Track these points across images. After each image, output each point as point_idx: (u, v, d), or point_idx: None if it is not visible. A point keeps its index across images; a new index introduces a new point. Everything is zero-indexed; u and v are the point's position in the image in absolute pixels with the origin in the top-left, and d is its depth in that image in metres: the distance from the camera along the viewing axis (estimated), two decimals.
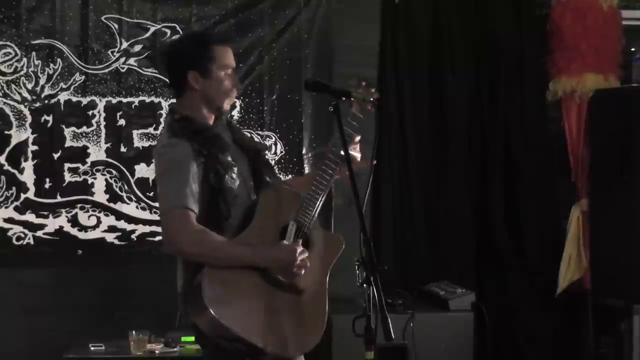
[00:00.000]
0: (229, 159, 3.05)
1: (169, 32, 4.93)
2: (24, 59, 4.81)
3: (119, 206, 4.88)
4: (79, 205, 4.85)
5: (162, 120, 4.91)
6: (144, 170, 4.90)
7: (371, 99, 2.99)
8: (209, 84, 3.08)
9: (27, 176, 4.81)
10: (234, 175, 3.04)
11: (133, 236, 4.89)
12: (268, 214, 3.06)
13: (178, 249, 2.96)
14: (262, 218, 3.04)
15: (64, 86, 4.84)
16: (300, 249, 3.01)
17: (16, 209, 4.79)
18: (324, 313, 3.07)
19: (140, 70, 4.91)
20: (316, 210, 3.08)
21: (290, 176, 4.87)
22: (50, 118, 4.84)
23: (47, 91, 4.83)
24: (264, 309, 2.96)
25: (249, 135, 3.29)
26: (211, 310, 2.84)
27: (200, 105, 3.11)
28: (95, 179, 4.87)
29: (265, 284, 2.98)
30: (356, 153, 3.14)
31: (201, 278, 2.91)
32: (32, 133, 4.82)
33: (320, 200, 3.08)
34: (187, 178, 2.94)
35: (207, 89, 3.08)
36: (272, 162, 3.34)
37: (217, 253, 2.94)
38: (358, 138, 3.13)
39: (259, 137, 4.91)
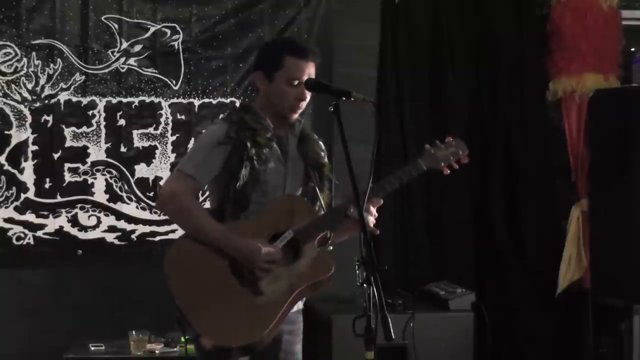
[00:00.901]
0: (264, 151, 3.10)
1: (169, 32, 4.93)
2: (24, 59, 4.81)
3: (119, 206, 4.88)
4: (79, 205, 4.85)
5: (162, 120, 4.92)
6: (144, 170, 4.90)
7: (371, 100, 3.00)
8: (271, 88, 3.16)
9: (27, 176, 4.81)
10: (265, 171, 3.10)
11: (133, 236, 4.89)
12: (275, 214, 3.11)
13: (161, 205, 3.30)
14: (266, 216, 3.10)
15: (64, 86, 4.84)
16: (267, 250, 3.03)
17: (16, 209, 4.79)
18: (266, 323, 3.01)
19: (140, 70, 4.91)
20: (321, 235, 3.10)
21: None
22: (50, 118, 4.84)
23: (47, 91, 4.83)
24: (214, 292, 3.01)
25: (322, 152, 3.31)
26: (165, 270, 3.02)
27: (266, 105, 3.19)
28: (95, 179, 4.87)
29: (227, 271, 3.04)
30: (371, 217, 3.11)
31: (177, 239, 3.13)
32: (32, 133, 4.82)
33: (327, 232, 3.12)
34: (206, 153, 3.10)
35: (269, 92, 3.17)
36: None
37: (188, 220, 3.09)
38: (379, 202, 3.13)
39: None
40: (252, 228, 3.08)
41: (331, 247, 3.17)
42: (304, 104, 3.20)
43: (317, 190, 3.23)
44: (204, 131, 3.27)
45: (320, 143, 3.31)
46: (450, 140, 3.27)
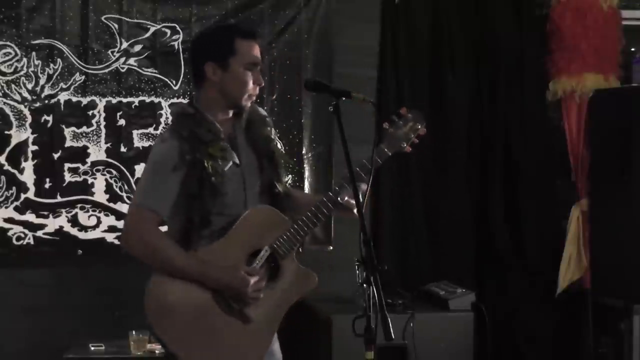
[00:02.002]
0: (221, 164, 2.97)
1: (169, 32, 4.93)
2: (24, 59, 4.80)
3: (119, 206, 4.88)
4: (79, 205, 4.85)
5: (162, 120, 4.92)
6: None
7: (371, 100, 2.98)
8: (227, 77, 3.01)
9: (27, 176, 4.80)
10: (223, 182, 2.97)
11: None
12: (246, 231, 3.00)
13: (127, 245, 3.00)
14: (238, 234, 2.99)
15: (64, 86, 4.84)
16: (254, 279, 2.96)
17: (16, 209, 4.79)
18: (262, 349, 3.00)
19: (140, 70, 4.91)
20: (297, 244, 3.02)
21: (290, 177, 4.86)
22: (50, 118, 4.83)
23: (47, 91, 4.83)
24: (204, 330, 2.94)
25: (270, 133, 3.14)
26: (148, 320, 2.98)
27: (217, 99, 3.04)
28: (95, 179, 4.87)
29: (212, 304, 2.96)
30: (352, 200, 2.99)
31: (150, 281, 2.97)
32: (32, 133, 4.82)
33: (304, 236, 3.03)
34: (163, 179, 2.94)
35: (225, 82, 3.01)
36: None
37: (157, 257, 2.95)
38: (365, 188, 2.91)
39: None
40: (227, 250, 2.97)
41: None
42: (257, 90, 3.08)
43: (274, 181, 3.10)
44: (151, 152, 3.03)
45: (267, 120, 3.14)
46: (406, 113, 3.12)
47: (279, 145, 3.21)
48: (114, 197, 4.88)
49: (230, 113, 3.09)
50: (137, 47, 4.91)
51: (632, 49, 5.25)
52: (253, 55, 3.04)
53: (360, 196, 2.75)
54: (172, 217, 3.02)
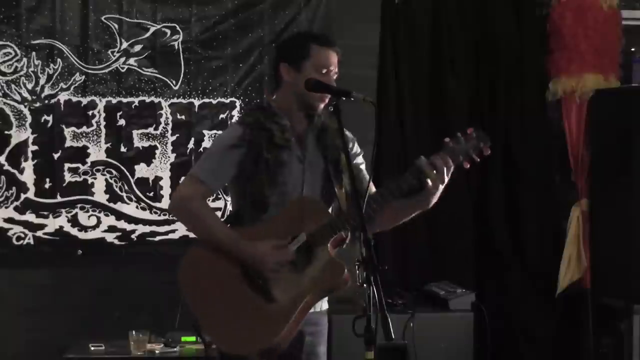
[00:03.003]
0: (282, 152, 3.06)
1: (169, 32, 4.93)
2: (24, 59, 4.80)
3: (119, 206, 4.88)
4: (79, 205, 4.85)
5: (162, 120, 4.92)
6: (144, 170, 4.90)
7: (371, 100, 2.98)
8: (300, 78, 3.09)
9: (27, 176, 4.80)
10: (282, 172, 3.06)
11: (133, 236, 4.89)
12: (288, 217, 3.07)
13: (172, 209, 3.31)
14: (280, 219, 3.07)
15: (64, 86, 4.84)
16: (276, 253, 3.00)
17: (16, 209, 4.79)
18: (277, 330, 3.00)
19: (140, 70, 4.91)
20: (334, 235, 3.04)
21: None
22: (50, 118, 4.83)
23: (47, 91, 4.83)
24: (227, 300, 3.02)
25: (340, 144, 3.07)
26: (179, 278, 3.06)
27: (291, 100, 3.14)
28: (95, 179, 4.87)
29: (240, 278, 3.03)
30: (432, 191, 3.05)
31: (188, 249, 3.11)
32: (32, 133, 4.82)
33: (344, 229, 3.05)
34: (218, 157, 3.10)
35: (297, 83, 3.10)
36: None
37: (198, 225, 3.12)
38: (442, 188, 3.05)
39: None
40: (268, 232, 3.05)
41: (344, 246, 3.16)
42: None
43: (335, 186, 3.15)
44: (219, 134, 3.29)
45: (347, 133, 3.14)
46: (472, 132, 3.14)
47: (358, 160, 3.24)
48: (114, 197, 4.88)
49: (304, 115, 3.16)
50: (137, 47, 4.91)
51: (632, 49, 5.25)
52: (326, 60, 3.12)
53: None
54: (232, 194, 3.25)
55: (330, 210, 3.15)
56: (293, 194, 3.10)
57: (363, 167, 3.26)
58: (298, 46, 3.15)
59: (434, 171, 3.01)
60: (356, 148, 3.26)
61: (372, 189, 3.14)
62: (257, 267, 3.02)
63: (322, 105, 3.14)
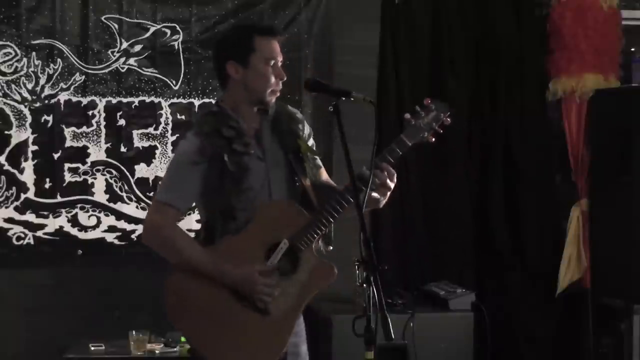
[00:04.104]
0: (243, 159, 3.01)
1: (169, 32, 4.93)
2: (24, 59, 4.81)
3: (119, 206, 4.88)
4: (79, 205, 4.85)
5: (162, 120, 4.92)
6: (144, 170, 4.90)
7: (371, 100, 2.98)
8: (249, 74, 3.06)
9: (27, 176, 4.81)
10: (247, 177, 3.01)
11: (133, 236, 4.89)
12: (263, 225, 3.02)
13: (145, 239, 3.11)
14: (256, 228, 3.01)
15: (64, 86, 4.84)
16: (260, 279, 2.96)
17: (16, 209, 4.79)
18: (282, 341, 3.01)
19: (140, 70, 4.91)
20: (317, 238, 3.03)
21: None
22: (50, 118, 4.83)
23: (47, 91, 4.83)
24: (223, 323, 2.98)
25: (297, 129, 3.16)
26: (169, 317, 3.01)
27: (241, 97, 3.09)
28: (95, 179, 4.87)
29: (230, 297, 2.99)
30: (382, 196, 3.10)
31: (169, 275, 3.02)
32: (32, 133, 4.82)
33: (325, 229, 3.04)
34: (182, 174, 3.02)
35: (247, 79, 3.07)
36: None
37: (174, 252, 3.02)
38: (390, 184, 3.10)
39: None
40: (246, 245, 3.00)
41: (330, 247, 3.15)
42: (280, 85, 3.11)
43: (299, 176, 3.11)
44: (175, 149, 3.10)
45: (297, 116, 3.17)
46: (429, 103, 3.09)
47: (310, 142, 3.20)
48: (114, 197, 4.88)
49: (256, 109, 3.12)
50: (137, 47, 4.91)
51: (632, 49, 5.25)
52: (272, 50, 3.09)
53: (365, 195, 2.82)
54: (199, 208, 3.15)
55: (301, 207, 3.08)
56: (261, 196, 3.05)
57: (314, 148, 3.22)
58: (242, 41, 3.08)
59: (380, 181, 3.06)
60: (307, 129, 3.21)
61: (324, 175, 3.20)
62: (245, 291, 2.98)
63: (274, 99, 3.11)
